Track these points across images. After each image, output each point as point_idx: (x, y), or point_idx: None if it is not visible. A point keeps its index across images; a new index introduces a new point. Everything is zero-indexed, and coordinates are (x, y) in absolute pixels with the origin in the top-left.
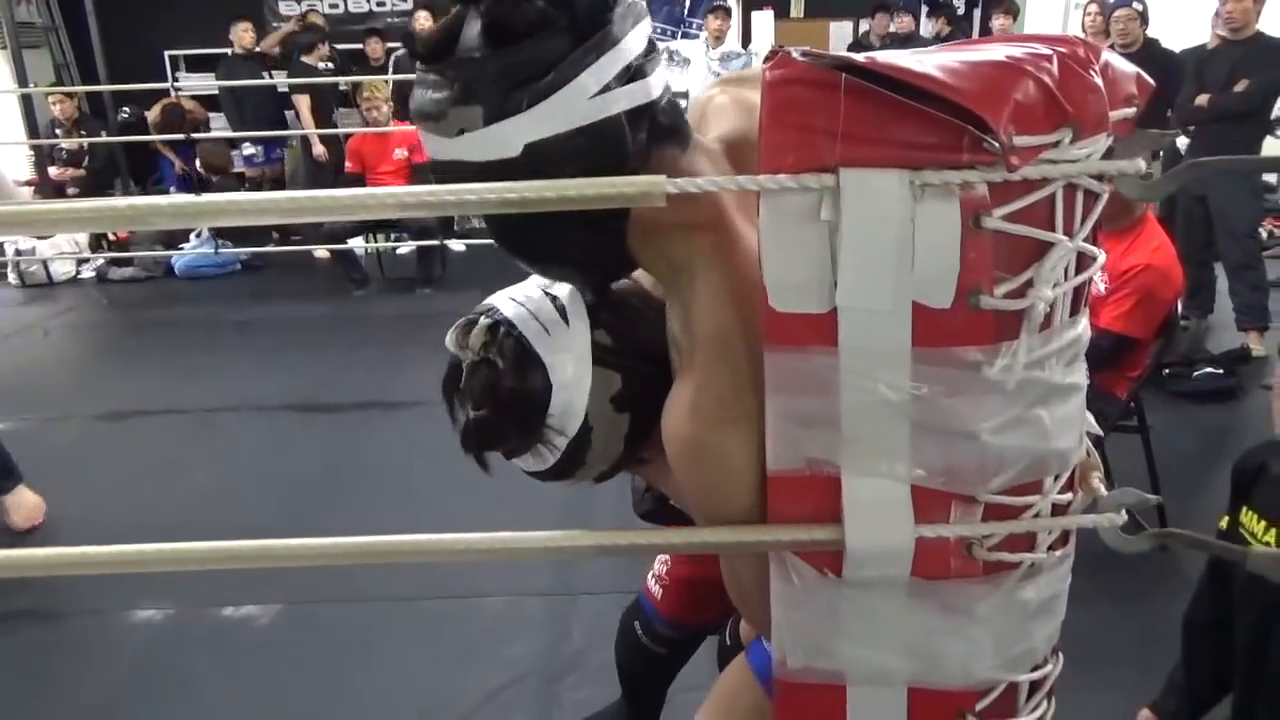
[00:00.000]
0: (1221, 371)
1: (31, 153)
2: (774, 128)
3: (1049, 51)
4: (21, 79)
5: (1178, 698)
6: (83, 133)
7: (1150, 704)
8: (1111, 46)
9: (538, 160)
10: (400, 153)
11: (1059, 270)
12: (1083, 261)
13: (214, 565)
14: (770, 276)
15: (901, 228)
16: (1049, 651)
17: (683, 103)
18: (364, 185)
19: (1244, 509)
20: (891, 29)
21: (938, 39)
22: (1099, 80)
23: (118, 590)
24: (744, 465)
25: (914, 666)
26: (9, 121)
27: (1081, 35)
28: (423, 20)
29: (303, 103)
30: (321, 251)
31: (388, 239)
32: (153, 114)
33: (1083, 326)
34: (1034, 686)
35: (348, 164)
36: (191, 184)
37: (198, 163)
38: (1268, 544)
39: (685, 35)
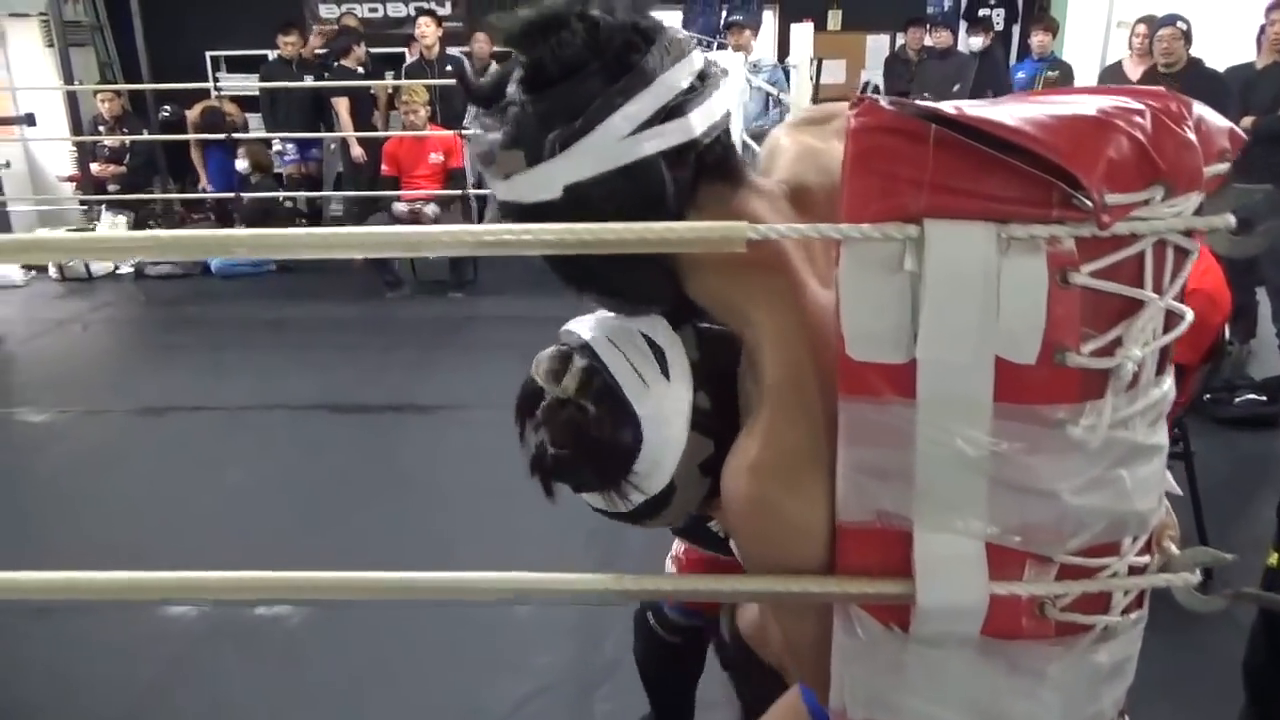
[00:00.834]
0: (1264, 398)
1: (74, 149)
2: (858, 175)
3: (1141, 106)
4: (68, 76)
5: None
6: (125, 131)
7: None
8: (1154, 66)
9: (577, 201)
10: (436, 157)
11: (1148, 329)
12: (1170, 320)
13: (240, 595)
14: (848, 325)
15: (986, 281)
16: (1115, 715)
17: (736, 131)
18: (399, 188)
19: None
20: (928, 43)
21: (973, 56)
22: (1192, 136)
23: None
24: (808, 521)
25: None
26: (54, 118)
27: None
28: (424, 28)
29: (342, 105)
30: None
31: None
32: (192, 114)
33: (1168, 386)
34: None
35: (384, 167)
36: (233, 182)
37: (239, 163)
38: None
39: (722, 46)
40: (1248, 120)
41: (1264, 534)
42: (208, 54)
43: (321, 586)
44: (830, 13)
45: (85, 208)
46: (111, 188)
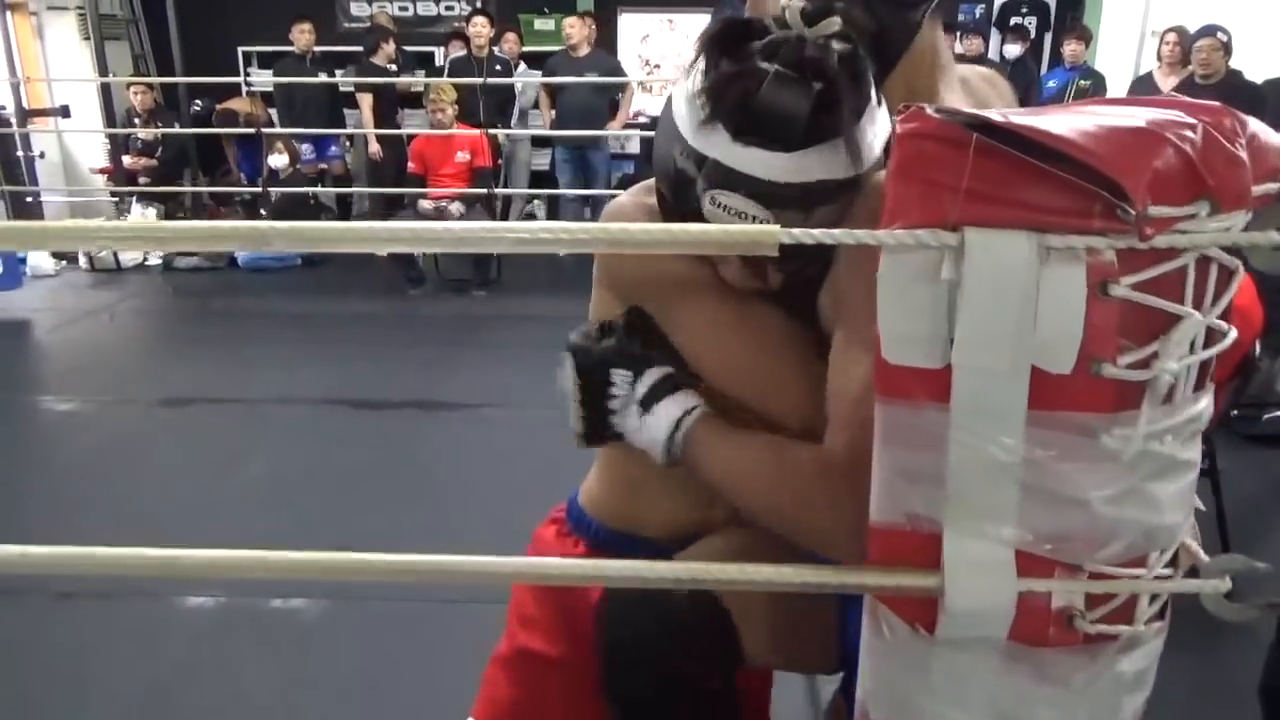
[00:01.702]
0: None
1: (107, 141)
2: (900, 181)
3: (1194, 120)
4: (102, 69)
5: None
6: (158, 124)
7: None
8: (1190, 77)
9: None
10: (462, 155)
11: (1186, 344)
12: (1212, 337)
13: (261, 573)
14: (885, 327)
15: (1024, 290)
16: None
17: None
18: (425, 186)
19: None
20: (959, 50)
21: (1006, 64)
22: (1244, 153)
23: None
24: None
25: None
26: (88, 110)
27: (1157, 62)
28: (478, 26)
29: (365, 102)
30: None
31: None
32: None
33: (1205, 403)
34: None
35: (410, 165)
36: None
37: (275, 159)
38: None
39: None
40: None
41: None
42: (240, 50)
43: (341, 568)
44: None
45: (116, 199)
46: (142, 180)
